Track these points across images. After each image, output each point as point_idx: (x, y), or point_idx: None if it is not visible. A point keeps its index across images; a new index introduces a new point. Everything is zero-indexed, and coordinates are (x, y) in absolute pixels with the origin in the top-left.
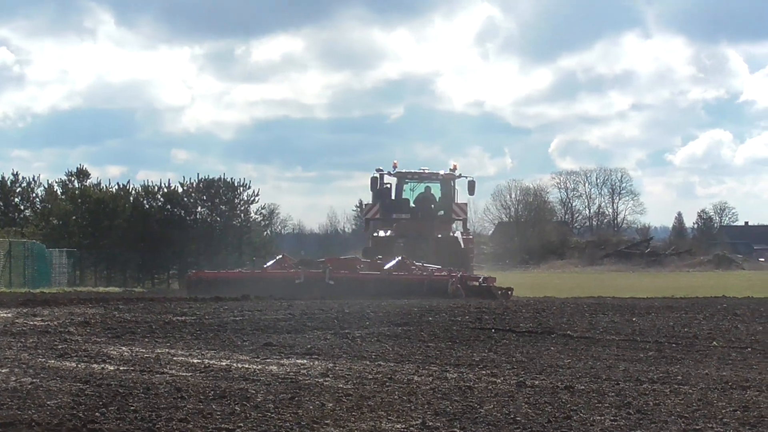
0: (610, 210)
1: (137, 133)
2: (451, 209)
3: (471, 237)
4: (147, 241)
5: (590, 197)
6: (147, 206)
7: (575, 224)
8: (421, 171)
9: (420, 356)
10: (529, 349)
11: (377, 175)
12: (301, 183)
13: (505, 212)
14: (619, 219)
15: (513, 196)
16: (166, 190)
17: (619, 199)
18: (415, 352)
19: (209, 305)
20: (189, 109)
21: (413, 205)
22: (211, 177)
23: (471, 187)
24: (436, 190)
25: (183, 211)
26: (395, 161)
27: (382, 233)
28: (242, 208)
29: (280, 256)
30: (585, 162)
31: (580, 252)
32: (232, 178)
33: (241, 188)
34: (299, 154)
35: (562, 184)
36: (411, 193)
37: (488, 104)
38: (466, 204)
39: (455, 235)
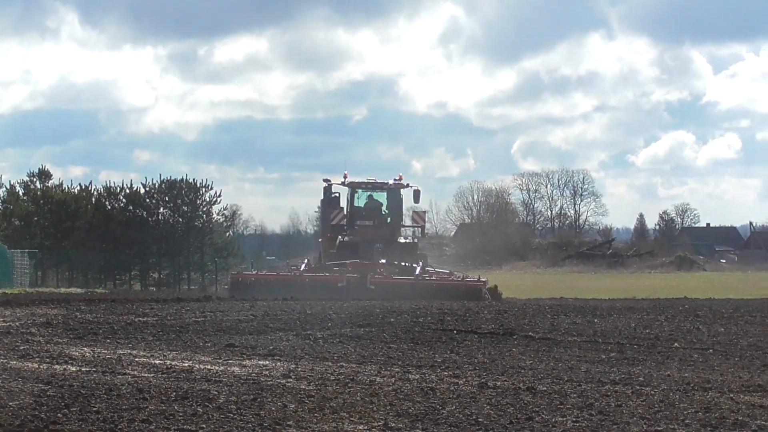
0: (572, 211)
1: (100, 134)
2: (400, 216)
3: (417, 243)
4: (109, 242)
5: (552, 199)
6: (109, 207)
7: (537, 226)
8: (372, 181)
9: (382, 357)
10: (491, 350)
11: (327, 185)
12: (264, 184)
13: (467, 213)
14: (581, 220)
15: (475, 197)
16: (128, 191)
17: (581, 201)
18: (377, 354)
19: (171, 306)
20: (152, 109)
21: (364, 213)
22: (173, 178)
23: (416, 196)
24: (383, 198)
25: (145, 212)
26: (345, 172)
27: (347, 238)
28: (204, 209)
29: (307, 260)
30: (547, 163)
31: (542, 253)
32: (194, 179)
33: (203, 189)
34: (262, 155)
35: (524, 185)
36: (362, 201)
37: (452, 105)
38: (425, 212)
39: (414, 241)
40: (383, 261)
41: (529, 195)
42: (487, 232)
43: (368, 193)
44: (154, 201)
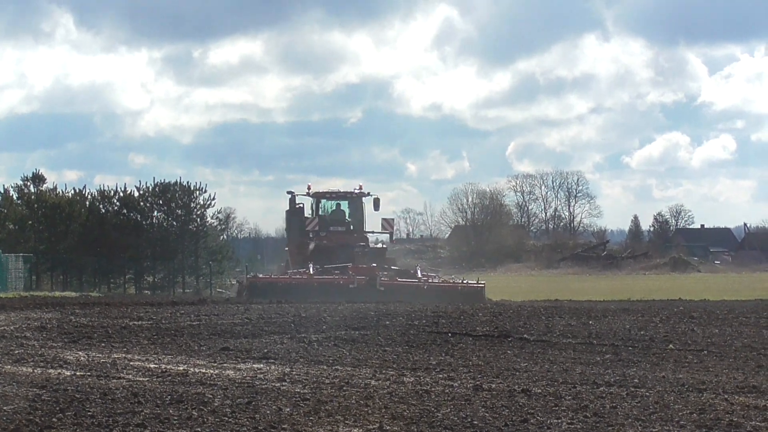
0: (567, 213)
1: (95, 137)
2: (362, 223)
3: (386, 248)
4: (103, 246)
5: (547, 200)
6: (103, 211)
7: (532, 228)
8: (335, 191)
9: (377, 360)
10: (486, 352)
11: (291, 196)
12: (259, 187)
13: (461, 216)
14: (575, 222)
15: (470, 199)
16: (122, 194)
17: (576, 203)
18: (372, 357)
19: (166, 310)
20: (147, 112)
21: (329, 221)
22: (167, 181)
23: (376, 204)
24: (346, 207)
25: (139, 216)
26: (309, 184)
27: (322, 243)
28: (198, 213)
29: (314, 265)
30: (542, 165)
31: (537, 255)
32: (188, 182)
33: (197, 192)
34: (257, 157)
35: (518, 187)
36: (327, 210)
37: (446, 107)
38: (393, 219)
39: (384, 246)
40: (373, 265)
41: (523, 197)
42: (482, 234)
43: (332, 202)
44: (148, 204)
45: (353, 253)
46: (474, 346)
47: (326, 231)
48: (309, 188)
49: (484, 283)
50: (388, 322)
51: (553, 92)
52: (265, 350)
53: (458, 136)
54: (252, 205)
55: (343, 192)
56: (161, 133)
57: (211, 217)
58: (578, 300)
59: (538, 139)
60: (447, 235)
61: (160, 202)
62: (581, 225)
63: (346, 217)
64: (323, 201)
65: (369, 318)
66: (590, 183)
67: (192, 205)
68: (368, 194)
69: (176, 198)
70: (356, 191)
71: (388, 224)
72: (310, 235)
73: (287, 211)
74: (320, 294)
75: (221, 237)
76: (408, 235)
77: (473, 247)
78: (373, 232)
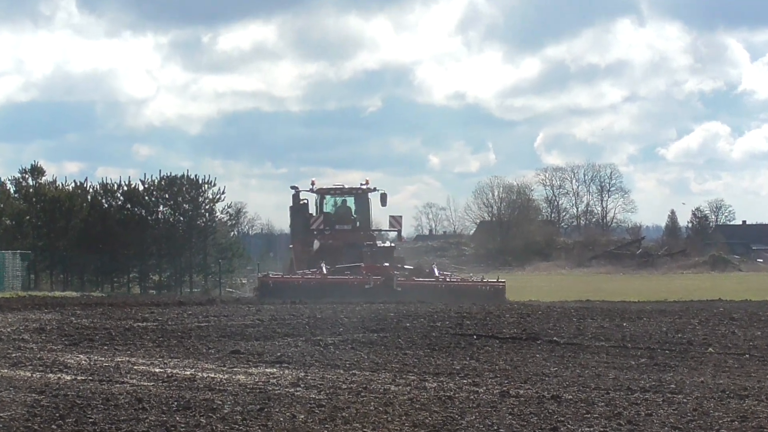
0: (599, 208)
1: (97, 127)
2: (369, 220)
3: (395, 247)
4: (106, 243)
5: (578, 195)
6: (106, 205)
7: (562, 223)
8: (340, 186)
9: (397, 364)
10: (513, 356)
11: (295, 192)
12: (271, 180)
13: (487, 211)
14: (608, 218)
15: (496, 193)
16: (125, 188)
17: (609, 197)
18: (392, 360)
19: (172, 310)
20: (153, 101)
21: (334, 218)
22: (174, 174)
23: (383, 200)
24: (351, 203)
25: (144, 211)
26: (313, 179)
27: (328, 242)
28: (207, 207)
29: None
30: (573, 157)
31: (567, 253)
32: (196, 175)
33: (206, 185)
34: (270, 149)
35: (548, 180)
36: (332, 206)
37: (471, 96)
38: (401, 216)
39: (392, 244)
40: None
41: (553, 191)
42: (509, 230)
43: (337, 198)
44: (153, 198)
45: (361, 253)
46: (500, 349)
47: (332, 229)
48: (313, 183)
49: (504, 282)
50: (408, 324)
51: (584, 80)
52: (278, 353)
53: (483, 126)
54: (264, 200)
55: (348, 188)
56: (167, 122)
57: (221, 212)
58: (611, 300)
59: (569, 129)
60: (471, 231)
61: (167, 196)
62: (614, 221)
63: (352, 214)
64: (327, 197)
65: (388, 319)
66: (624, 176)
67: (200, 199)
68: (375, 189)
69: (183, 192)
70: (362, 187)
71: (395, 221)
72: (315, 233)
73: (291, 208)
74: (334, 294)
75: (231, 233)
76: (430, 231)
77: (499, 245)
78: (380, 230)
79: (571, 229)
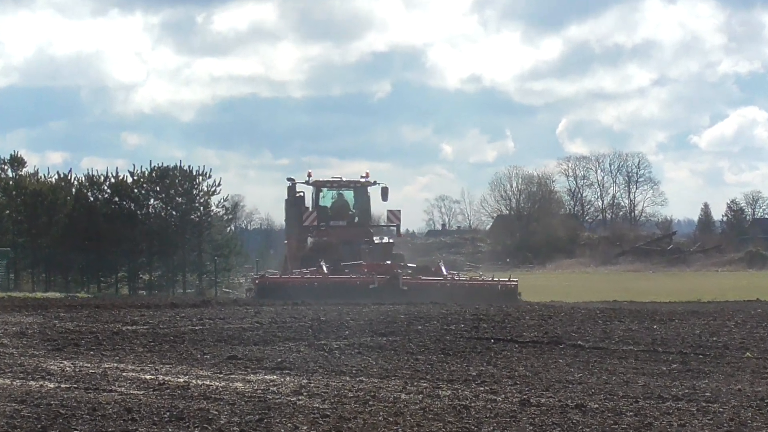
0: (627, 201)
1: (82, 115)
2: (368, 215)
3: (393, 243)
4: (92, 239)
5: (603, 186)
6: (92, 199)
7: (586, 217)
8: (337, 179)
9: (408, 371)
10: (534, 361)
11: (291, 184)
12: (271, 171)
13: (505, 204)
14: (636, 211)
15: (514, 185)
16: (113, 180)
17: (637, 189)
18: (402, 366)
19: (164, 312)
20: (143, 86)
21: (330, 213)
22: (165, 165)
23: (384, 194)
24: (350, 197)
25: (133, 205)
26: (309, 171)
27: (322, 239)
28: (201, 201)
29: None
30: (597, 145)
31: (592, 249)
32: (189, 166)
33: (201, 177)
34: (269, 138)
35: (570, 170)
36: (329, 200)
37: (487, 79)
38: (399, 211)
39: (390, 241)
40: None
41: (576, 182)
42: (528, 225)
43: (334, 191)
44: (143, 191)
45: (359, 250)
46: (520, 354)
47: (326, 225)
48: (309, 175)
49: (516, 281)
50: (420, 327)
51: (609, 62)
52: (279, 359)
53: (501, 112)
54: (263, 192)
55: (345, 180)
56: (158, 109)
57: (216, 206)
58: (640, 301)
59: (593, 115)
60: (488, 226)
61: (158, 188)
62: (643, 214)
63: (350, 209)
64: (324, 190)
65: (398, 322)
66: (653, 166)
67: (194, 192)
68: (375, 183)
69: (176, 184)
70: (362, 179)
71: (394, 216)
72: (309, 230)
73: (286, 201)
74: (335, 295)
75: (228, 229)
76: (443, 226)
77: (518, 240)
78: (378, 225)
79: (596, 224)
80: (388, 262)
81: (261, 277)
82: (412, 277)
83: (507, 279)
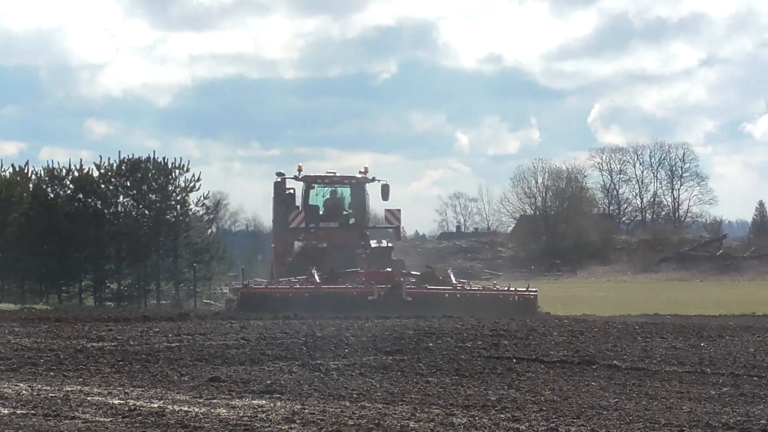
0: (669, 199)
1: (42, 99)
2: (365, 217)
3: (392, 248)
4: (52, 242)
5: (642, 182)
6: (52, 196)
7: (623, 218)
8: (331, 174)
9: (417, 395)
10: (563, 384)
11: (279, 179)
12: (260, 164)
13: (529, 202)
14: (681, 211)
15: (540, 180)
16: (77, 173)
17: (681, 185)
18: (411, 390)
19: (135, 327)
20: (111, 66)
21: (322, 213)
22: (137, 156)
23: (384, 192)
24: (346, 195)
25: (100, 202)
26: (300, 164)
27: (308, 243)
28: (178, 198)
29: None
30: (636, 135)
31: (630, 255)
32: (165, 158)
33: (178, 171)
34: (257, 126)
35: (605, 164)
36: (321, 199)
37: (509, 59)
38: (399, 210)
39: (389, 245)
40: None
41: (611, 177)
42: (556, 227)
43: (327, 188)
44: (111, 187)
45: (353, 256)
46: (547, 375)
47: (316, 227)
48: (299, 170)
49: (536, 292)
50: (431, 344)
51: (651, 38)
52: (268, 381)
53: (524, 97)
54: (250, 188)
55: (340, 176)
56: (130, 92)
57: (196, 204)
58: (685, 314)
59: (631, 100)
60: (509, 228)
61: (128, 184)
62: (689, 215)
63: (345, 209)
64: (316, 187)
65: (405, 338)
66: (700, 159)
67: (170, 188)
68: (374, 179)
69: (149, 179)
70: (359, 176)
71: (393, 217)
72: (298, 233)
73: (275, 199)
74: (330, 308)
75: (209, 230)
76: (458, 228)
77: (544, 244)
78: (375, 227)
79: (634, 225)
80: (389, 269)
81: (244, 287)
82: (416, 286)
83: (525, 289)
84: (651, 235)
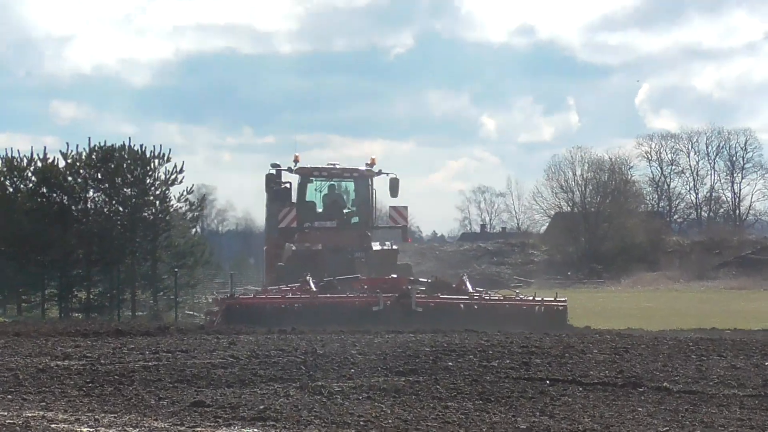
0: (729, 194)
1: None
2: (370, 215)
3: (398, 251)
4: (11, 244)
5: (698, 174)
6: (11, 189)
7: (675, 216)
8: (331, 166)
9: (435, 422)
10: (605, 410)
11: (273, 171)
12: (252, 153)
13: (565, 198)
14: (742, 208)
15: (579, 172)
16: (40, 164)
17: (743, 178)
18: (427, 417)
19: (106, 343)
20: (80, 39)
21: (321, 211)
22: (110, 144)
23: (393, 187)
24: (350, 189)
25: (66, 198)
26: (296, 154)
27: (301, 245)
28: (158, 193)
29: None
30: (691, 120)
31: (683, 259)
32: (142, 146)
33: (157, 161)
34: (250, 109)
35: (654, 153)
36: (319, 194)
37: (543, 31)
38: (405, 207)
39: (393, 247)
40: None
41: (661, 169)
42: (597, 226)
43: (326, 182)
44: (80, 180)
45: (352, 260)
46: (586, 400)
47: (311, 226)
48: (296, 160)
49: (565, 302)
50: (451, 363)
51: (708, 7)
52: (261, 406)
53: (562, 75)
54: (241, 182)
55: (340, 168)
56: (101, 70)
57: (178, 200)
58: (747, 329)
59: (686, 79)
60: (543, 227)
61: (99, 176)
62: (751, 212)
63: (347, 206)
64: (315, 181)
65: (421, 356)
66: (765, 147)
67: (148, 181)
68: (380, 172)
69: (124, 170)
70: (364, 168)
71: (399, 215)
72: (291, 233)
73: (268, 194)
74: (327, 320)
75: (193, 231)
76: (483, 227)
77: (583, 247)
78: (378, 227)
79: (687, 225)
80: (393, 275)
81: (229, 297)
82: (427, 295)
83: (552, 299)
84: (707, 236)
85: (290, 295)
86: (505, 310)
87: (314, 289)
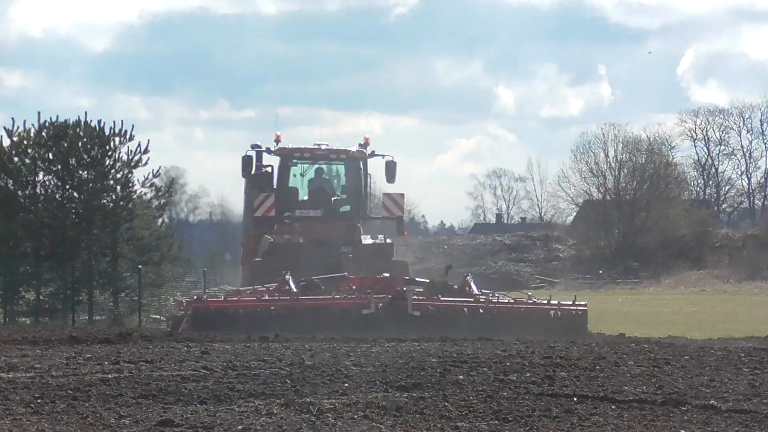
0: None
1: None
2: (364, 203)
3: (393, 245)
4: None
5: (751, 156)
6: None
7: (723, 205)
8: (316, 147)
9: None
10: (642, 431)
11: (252, 153)
12: (229, 129)
13: (596, 183)
14: None
15: (612, 153)
16: None
17: None
18: None
19: (59, 352)
20: None
21: (305, 198)
22: (63, 120)
23: (389, 171)
24: (341, 173)
25: (11, 182)
26: (278, 133)
27: (279, 237)
28: (118, 176)
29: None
30: (742, 92)
31: (733, 255)
32: (101, 122)
33: (118, 139)
34: (226, 78)
35: (700, 131)
36: (303, 179)
37: None
38: (402, 195)
39: (387, 241)
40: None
41: (708, 150)
42: (634, 216)
43: (312, 165)
44: (28, 161)
45: (339, 256)
46: (619, 419)
47: (291, 216)
48: (277, 139)
49: (585, 306)
50: (461, 376)
51: None
52: (239, 426)
53: (591, 40)
54: (216, 164)
55: (326, 149)
56: (53, 34)
57: (143, 185)
58: None
59: (735, 45)
60: (570, 217)
61: (50, 156)
62: None
63: (335, 193)
64: (298, 164)
65: (427, 368)
66: None
67: (107, 162)
68: (374, 154)
69: (79, 150)
70: (355, 149)
71: (394, 203)
72: (269, 223)
73: (246, 179)
74: (309, 325)
75: (159, 221)
76: (499, 217)
77: (617, 241)
78: (373, 218)
79: (739, 215)
80: (386, 273)
81: (195, 300)
82: (425, 297)
83: (570, 303)
84: (762, 228)
85: (266, 297)
86: (516, 315)
87: (294, 290)
